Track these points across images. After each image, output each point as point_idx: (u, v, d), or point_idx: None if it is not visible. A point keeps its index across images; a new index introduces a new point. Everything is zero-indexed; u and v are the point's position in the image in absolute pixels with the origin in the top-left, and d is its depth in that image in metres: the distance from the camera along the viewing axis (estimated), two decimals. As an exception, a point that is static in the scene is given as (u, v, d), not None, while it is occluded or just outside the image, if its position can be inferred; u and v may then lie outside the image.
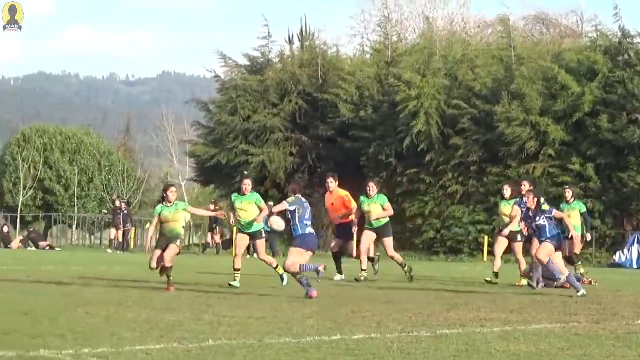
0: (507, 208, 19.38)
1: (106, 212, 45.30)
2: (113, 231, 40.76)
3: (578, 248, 20.70)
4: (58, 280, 17.95)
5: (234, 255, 18.04)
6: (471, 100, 38.92)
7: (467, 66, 40.68)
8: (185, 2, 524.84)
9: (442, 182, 38.97)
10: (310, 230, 15.13)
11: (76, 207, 52.97)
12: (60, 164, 54.76)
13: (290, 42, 45.34)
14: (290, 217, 15.11)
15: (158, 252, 15.92)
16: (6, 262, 26.30)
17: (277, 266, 17.11)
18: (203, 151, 43.88)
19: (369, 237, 20.21)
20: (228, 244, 42.85)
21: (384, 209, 20.12)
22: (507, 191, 19.69)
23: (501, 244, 19.74)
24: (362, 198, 20.25)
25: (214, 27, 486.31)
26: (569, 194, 20.43)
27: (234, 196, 17.80)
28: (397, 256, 20.47)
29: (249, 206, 17.11)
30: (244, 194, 17.43)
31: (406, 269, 20.33)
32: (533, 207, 16.34)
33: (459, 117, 38.72)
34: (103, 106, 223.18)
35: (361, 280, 19.58)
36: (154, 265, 15.87)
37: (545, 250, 16.15)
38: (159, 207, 16.13)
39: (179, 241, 15.97)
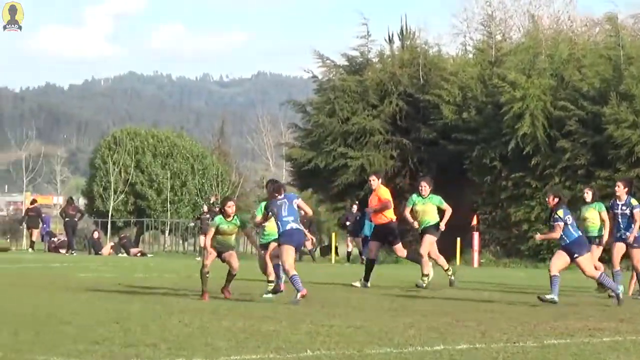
0: (590, 212, 18.95)
1: (197, 217, 44.31)
2: (202, 237, 40.35)
3: None
4: (150, 287, 17.88)
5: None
6: (578, 101, 38.01)
7: (573, 66, 39.72)
8: (280, 1, 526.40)
9: (548, 186, 38.12)
10: (292, 225, 15.23)
11: (169, 212, 52.58)
12: (152, 167, 54.34)
13: (390, 41, 44.71)
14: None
15: (213, 253, 15.93)
16: (97, 268, 26.52)
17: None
18: (300, 154, 43.43)
19: (429, 240, 19.56)
20: (326, 251, 42.42)
21: (440, 209, 19.49)
22: (589, 195, 19.23)
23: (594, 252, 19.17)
24: (414, 197, 19.69)
25: (310, 26, 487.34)
26: None
27: (264, 204, 16.80)
28: (425, 258, 19.40)
29: None
30: None
31: (427, 278, 19.39)
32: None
33: (566, 118, 37.83)
34: (196, 107, 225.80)
35: (422, 287, 19.08)
36: (208, 263, 15.82)
37: (587, 263, 15.79)
38: (217, 219, 16.11)
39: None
